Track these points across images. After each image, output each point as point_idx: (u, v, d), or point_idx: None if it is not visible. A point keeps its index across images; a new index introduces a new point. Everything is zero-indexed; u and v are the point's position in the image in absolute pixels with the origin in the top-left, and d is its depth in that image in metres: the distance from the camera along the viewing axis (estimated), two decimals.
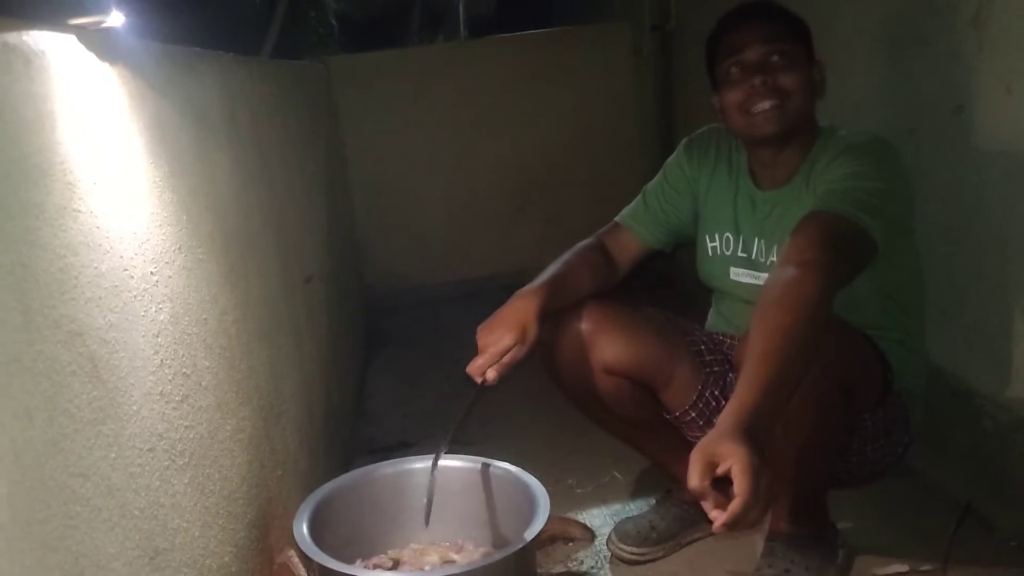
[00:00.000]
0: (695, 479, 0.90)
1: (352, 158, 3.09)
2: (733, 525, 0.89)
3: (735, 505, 0.88)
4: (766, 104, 1.31)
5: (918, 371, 1.42)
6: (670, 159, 1.56)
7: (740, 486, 0.88)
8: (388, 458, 1.36)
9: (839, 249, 1.13)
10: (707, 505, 0.91)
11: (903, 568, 1.30)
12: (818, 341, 1.06)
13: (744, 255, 1.45)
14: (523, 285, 1.36)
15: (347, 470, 1.35)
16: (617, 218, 1.57)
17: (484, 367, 1.24)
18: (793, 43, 1.33)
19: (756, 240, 1.43)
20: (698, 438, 0.95)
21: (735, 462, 0.89)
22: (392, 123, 3.12)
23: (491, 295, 2.70)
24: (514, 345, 1.25)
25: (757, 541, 1.34)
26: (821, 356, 1.13)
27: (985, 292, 1.50)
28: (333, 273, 2.26)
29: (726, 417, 0.94)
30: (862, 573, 1.32)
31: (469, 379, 1.25)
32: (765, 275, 1.33)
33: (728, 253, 1.47)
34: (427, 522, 1.15)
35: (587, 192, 3.15)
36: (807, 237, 1.14)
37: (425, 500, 1.14)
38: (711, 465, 0.91)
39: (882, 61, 1.76)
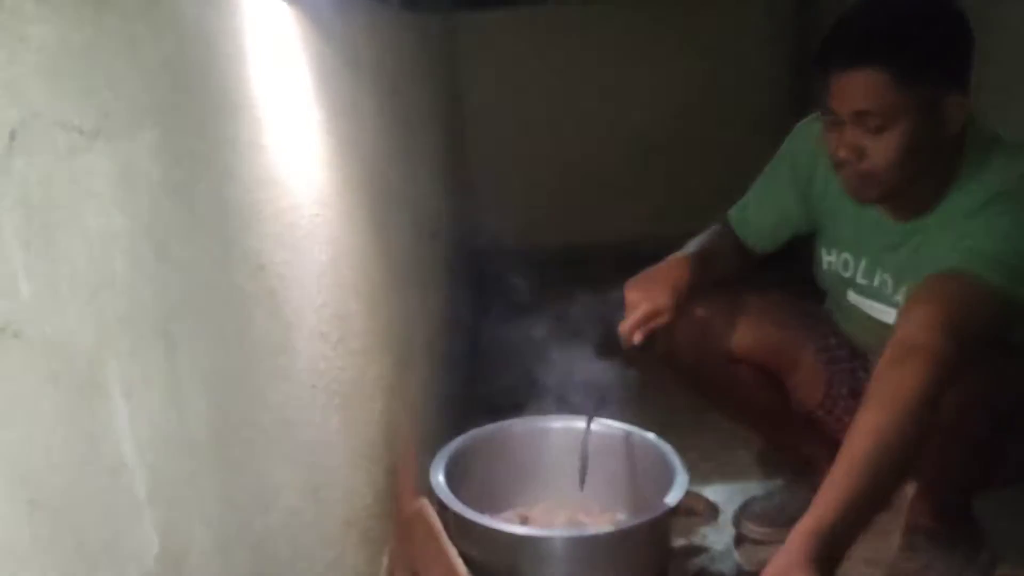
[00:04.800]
0: None
1: (469, 118, 3.09)
2: None
3: None
4: (852, 176, 1.11)
5: None
6: (785, 145, 1.35)
7: None
8: (500, 418, 1.36)
9: (964, 327, 0.98)
10: None
11: None
12: (922, 438, 0.93)
13: (865, 282, 1.27)
14: (637, 254, 1.31)
15: (463, 427, 1.36)
16: (729, 213, 1.41)
17: (636, 326, 1.18)
18: (906, 93, 1.04)
19: (879, 271, 1.24)
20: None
21: None
22: (510, 84, 3.09)
23: (602, 262, 2.68)
24: (669, 306, 1.20)
25: (894, 531, 1.29)
26: (981, 390, 1.05)
27: None
28: (452, 232, 2.27)
29: (799, 538, 0.84)
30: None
31: (606, 341, 1.21)
32: (889, 309, 1.21)
33: (846, 276, 1.29)
34: (582, 485, 1.13)
35: (709, 163, 3.05)
36: (927, 314, 0.99)
37: (579, 462, 1.13)
38: None
39: None
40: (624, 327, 1.19)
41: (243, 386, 0.64)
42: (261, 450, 0.68)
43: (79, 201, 0.43)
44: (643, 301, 1.19)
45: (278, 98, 0.79)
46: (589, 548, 0.94)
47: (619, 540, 0.96)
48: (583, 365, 1.41)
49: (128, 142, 0.48)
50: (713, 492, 1.52)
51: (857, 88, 1.06)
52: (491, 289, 2.92)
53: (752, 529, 1.37)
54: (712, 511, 1.44)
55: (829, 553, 0.84)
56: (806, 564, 0.81)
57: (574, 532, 1.03)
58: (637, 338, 1.18)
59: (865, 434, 0.90)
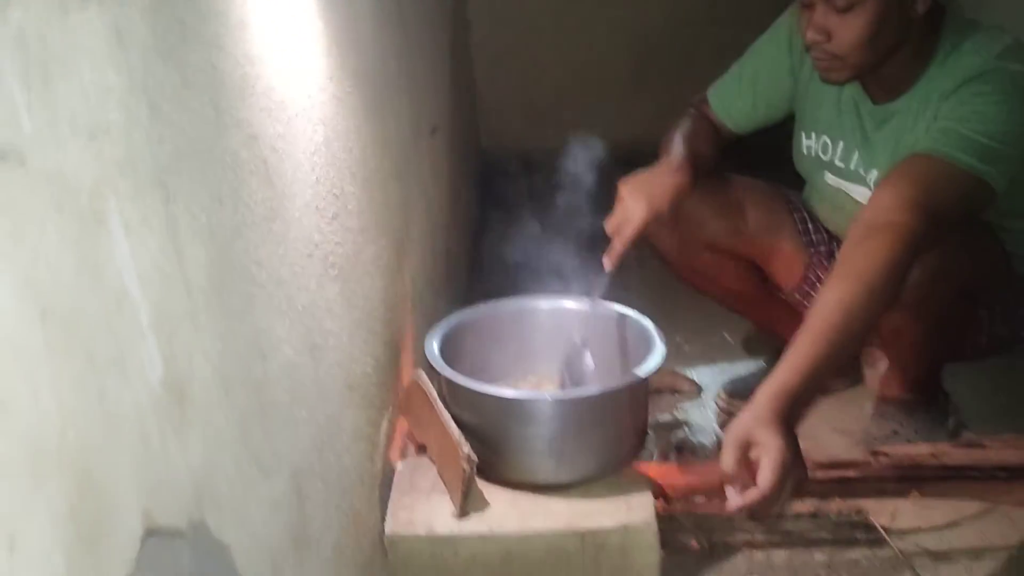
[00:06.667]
0: (729, 462, 0.88)
1: (474, 20, 3.06)
2: (747, 513, 0.89)
3: (752, 495, 0.86)
4: (822, 58, 1.14)
5: None
6: (779, 22, 1.36)
7: (764, 480, 0.86)
8: None
9: (933, 206, 1.01)
10: (732, 488, 0.90)
11: (1014, 437, 1.29)
12: (886, 309, 0.98)
13: (842, 165, 1.30)
14: (638, 158, 1.33)
15: None
16: (708, 92, 1.44)
17: (620, 241, 1.19)
18: None
19: (856, 153, 1.27)
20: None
21: (768, 454, 0.86)
22: None
23: (605, 166, 2.69)
24: (662, 213, 1.21)
25: (866, 403, 1.36)
26: (941, 265, 1.08)
27: None
28: (454, 129, 2.30)
29: (765, 398, 0.90)
30: (972, 440, 1.32)
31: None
32: (866, 191, 1.24)
33: (825, 158, 1.33)
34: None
35: (712, 66, 3.01)
36: (896, 192, 1.02)
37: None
38: (745, 449, 0.89)
39: None
40: (609, 224, 1.21)
41: (238, 243, 0.70)
42: (260, 304, 0.74)
43: (74, 54, 0.47)
44: (635, 213, 1.19)
45: None
46: (573, 408, 1.01)
47: (601, 401, 1.03)
48: (577, 257, 1.47)
49: (119, 6, 0.53)
50: (697, 373, 1.59)
51: None
52: (492, 190, 2.96)
53: (731, 403, 1.45)
54: (695, 389, 1.52)
55: (790, 412, 0.90)
56: (769, 419, 0.89)
57: (559, 394, 1.10)
58: (608, 265, 1.19)
59: (830, 304, 0.95)
